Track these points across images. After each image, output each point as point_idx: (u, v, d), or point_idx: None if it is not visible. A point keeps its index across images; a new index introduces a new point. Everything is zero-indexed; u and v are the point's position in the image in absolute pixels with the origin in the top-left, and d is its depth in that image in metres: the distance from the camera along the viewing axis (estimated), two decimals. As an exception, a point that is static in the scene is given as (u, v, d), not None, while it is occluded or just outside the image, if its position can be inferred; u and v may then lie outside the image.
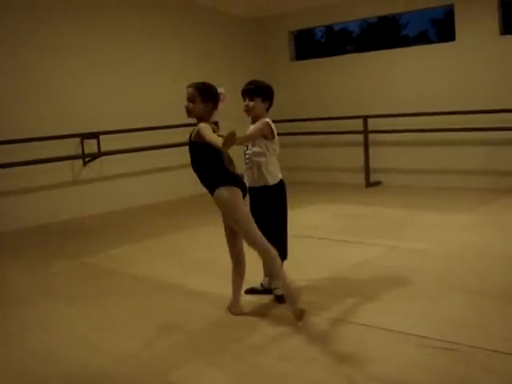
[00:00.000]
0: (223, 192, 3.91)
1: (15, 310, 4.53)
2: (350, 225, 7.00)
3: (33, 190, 8.02)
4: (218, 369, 3.29)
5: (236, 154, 4.13)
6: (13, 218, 7.71)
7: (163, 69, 9.62)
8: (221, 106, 4.02)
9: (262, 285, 4.48)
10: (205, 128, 3.77)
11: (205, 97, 3.93)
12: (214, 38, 10.46)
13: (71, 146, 8.42)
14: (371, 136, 9.80)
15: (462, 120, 8.80)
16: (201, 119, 3.93)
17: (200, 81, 4.04)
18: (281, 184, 4.33)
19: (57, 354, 3.64)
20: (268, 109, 4.32)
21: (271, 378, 3.15)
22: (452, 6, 9.24)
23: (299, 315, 3.78)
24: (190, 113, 3.96)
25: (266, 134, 4.19)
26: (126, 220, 8.16)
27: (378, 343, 3.50)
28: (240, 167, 4.24)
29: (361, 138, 9.84)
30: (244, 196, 4.03)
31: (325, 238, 6.30)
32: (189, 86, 3.97)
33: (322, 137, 10.57)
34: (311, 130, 10.49)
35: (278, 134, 4.29)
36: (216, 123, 4.42)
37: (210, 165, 3.93)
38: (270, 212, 4.29)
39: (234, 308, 4.13)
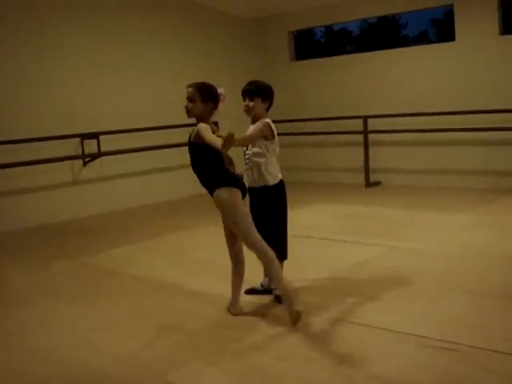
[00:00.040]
0: (223, 193, 3.91)
1: (15, 310, 4.53)
2: (350, 225, 7.00)
3: (33, 191, 8.02)
4: (218, 369, 3.29)
5: (236, 154, 4.13)
6: (13, 218, 7.71)
7: (163, 69, 9.62)
8: (221, 106, 4.02)
9: (261, 285, 4.48)
10: (204, 129, 3.76)
11: (205, 97, 3.92)
12: (214, 38, 10.46)
13: (71, 147, 8.42)
14: (371, 136, 9.79)
15: (461, 120, 8.80)
16: (200, 119, 3.93)
17: (200, 81, 4.04)
18: (281, 184, 4.33)
19: (57, 354, 3.64)
20: (268, 109, 4.32)
21: (271, 378, 3.15)
22: (452, 6, 9.24)
23: (295, 318, 3.79)
24: (189, 113, 3.96)
25: (266, 135, 4.19)
26: (125, 220, 8.16)
27: (377, 343, 3.50)
28: (240, 168, 4.25)
29: (361, 138, 9.84)
30: (243, 196, 4.03)
31: (325, 238, 6.30)
32: (189, 86, 3.96)
33: (322, 137, 10.57)
34: (311, 130, 10.49)
35: (278, 134, 4.29)
36: (216, 123, 4.42)
37: (210, 165, 3.93)
38: (269, 212, 4.29)
39: (234, 308, 4.13)
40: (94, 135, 8.47)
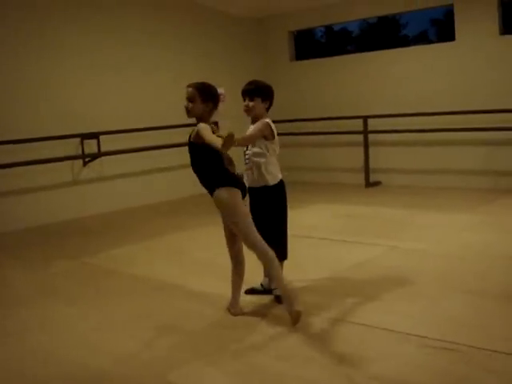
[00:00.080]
0: (223, 193, 3.91)
1: (15, 310, 4.53)
2: (350, 225, 7.00)
3: (33, 191, 8.02)
4: (218, 369, 3.29)
5: (236, 154, 4.13)
6: (13, 218, 7.71)
7: (163, 69, 9.62)
8: (221, 106, 4.02)
9: (261, 285, 4.48)
10: (204, 129, 3.76)
11: (205, 97, 3.92)
12: (214, 38, 10.46)
13: (71, 146, 8.42)
14: (371, 136, 9.79)
15: (462, 120, 8.79)
16: (200, 119, 3.93)
17: (200, 81, 4.04)
18: (281, 184, 4.33)
19: (57, 354, 3.64)
20: (268, 109, 4.32)
21: (271, 378, 3.15)
22: (452, 5, 9.24)
23: (295, 318, 3.79)
24: (189, 113, 3.96)
25: (266, 135, 4.19)
26: (126, 220, 8.16)
27: (378, 343, 3.50)
28: (240, 167, 4.24)
29: (361, 138, 9.84)
30: (243, 196, 4.03)
31: (325, 238, 6.30)
32: (189, 86, 3.96)
33: (322, 137, 10.57)
34: (311, 130, 10.49)
35: (278, 134, 4.29)
36: (216, 123, 4.41)
37: (210, 165, 3.93)
38: (270, 212, 4.29)
39: (234, 308, 4.13)
40: (94, 135, 8.47)
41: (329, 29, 15.15)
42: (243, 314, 4.10)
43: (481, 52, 8.94)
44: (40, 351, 3.72)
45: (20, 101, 7.86)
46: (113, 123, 8.79)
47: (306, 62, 11.22)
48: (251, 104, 4.22)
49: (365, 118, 9.70)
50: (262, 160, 4.21)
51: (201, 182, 4.04)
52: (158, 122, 9.19)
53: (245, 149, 4.30)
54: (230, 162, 4.06)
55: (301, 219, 6.84)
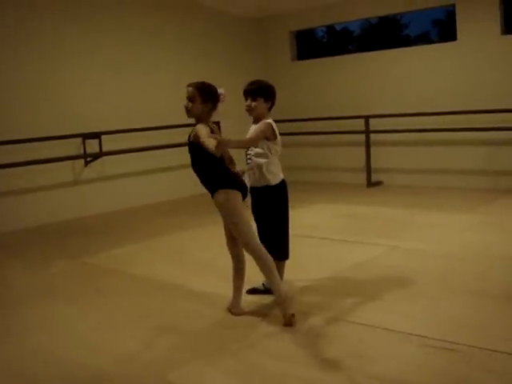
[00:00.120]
0: (222, 195, 3.90)
1: (15, 310, 4.52)
2: (351, 225, 6.99)
3: (34, 191, 8.02)
4: (218, 369, 3.28)
5: (236, 154, 4.12)
6: (14, 218, 7.70)
7: (163, 69, 9.62)
8: (220, 106, 4.01)
9: (263, 284, 4.47)
10: (201, 129, 3.75)
11: (204, 97, 3.91)
12: (214, 38, 10.46)
13: (72, 146, 8.42)
14: (372, 136, 9.79)
15: (463, 120, 8.79)
16: (199, 119, 3.92)
17: (200, 80, 4.03)
18: (282, 184, 4.32)
19: (57, 354, 3.64)
20: (270, 109, 4.31)
21: (271, 378, 3.15)
22: (453, 6, 9.23)
23: (288, 321, 3.80)
24: (189, 112, 3.95)
25: (268, 136, 4.17)
26: (126, 220, 8.16)
27: (379, 343, 3.50)
28: (241, 167, 4.24)
29: (362, 137, 9.84)
30: (245, 197, 4.02)
31: (326, 237, 6.30)
32: (189, 86, 3.95)
33: (324, 137, 10.57)
34: (313, 130, 10.49)
35: (280, 134, 4.28)
36: (218, 124, 4.41)
37: (210, 166, 3.91)
38: (271, 212, 4.28)
39: (235, 308, 4.12)
40: (96, 135, 8.47)
41: (330, 29, 15.15)
42: (244, 313, 4.10)
43: (482, 52, 8.94)
44: (40, 351, 3.72)
45: (20, 101, 7.86)
46: (113, 123, 8.79)
47: (307, 62, 11.22)
48: (253, 104, 4.21)
49: (366, 118, 9.70)
50: (264, 160, 4.20)
51: (201, 182, 4.03)
52: (158, 121, 9.19)
53: (247, 149, 4.30)
54: (231, 161, 4.05)
55: (302, 219, 6.83)
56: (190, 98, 3.91)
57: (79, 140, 8.43)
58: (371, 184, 9.91)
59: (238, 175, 4.08)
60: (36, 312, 4.47)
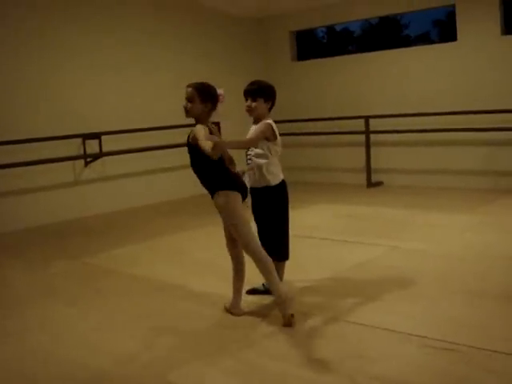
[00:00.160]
0: (222, 197, 3.90)
1: (15, 310, 4.52)
2: (352, 225, 6.99)
3: (34, 191, 8.02)
4: (218, 369, 3.28)
5: (236, 154, 4.12)
6: (14, 219, 7.70)
7: (163, 69, 9.62)
8: (220, 107, 4.01)
9: (263, 285, 4.46)
10: (200, 130, 3.75)
11: (204, 97, 3.91)
12: (214, 38, 10.46)
13: (73, 147, 8.42)
14: (373, 136, 9.79)
15: (463, 120, 8.78)
16: (198, 120, 3.92)
17: (199, 81, 4.03)
18: (282, 184, 4.32)
19: (57, 354, 3.64)
20: (270, 109, 4.31)
21: (271, 378, 3.15)
22: (453, 6, 9.23)
23: (288, 322, 3.80)
24: (188, 113, 3.95)
25: (268, 136, 4.17)
26: (127, 220, 8.16)
27: (379, 343, 3.49)
28: (241, 167, 4.24)
29: (362, 138, 9.83)
30: (245, 197, 4.02)
31: (326, 238, 6.29)
32: (188, 86, 3.95)
33: (324, 137, 10.57)
34: (313, 131, 10.49)
35: (280, 135, 4.28)
36: (217, 124, 4.41)
37: (210, 167, 3.90)
38: (271, 212, 4.29)
39: (235, 309, 4.12)
40: (96, 135, 8.48)
41: (330, 29, 15.16)
42: (244, 314, 4.10)
43: (482, 52, 8.93)
44: (40, 351, 3.72)
45: (20, 101, 7.86)
46: (113, 123, 8.79)
47: (307, 63, 11.22)
48: (253, 104, 4.21)
49: (366, 118, 9.70)
50: (264, 161, 4.20)
51: (201, 183, 4.03)
52: (158, 122, 9.19)
53: (247, 149, 4.29)
54: (231, 161, 4.05)
55: (302, 219, 6.83)
56: (189, 99, 3.91)
57: (79, 140, 8.43)
58: (371, 184, 9.91)
59: (238, 176, 4.07)
60: (36, 312, 4.47)
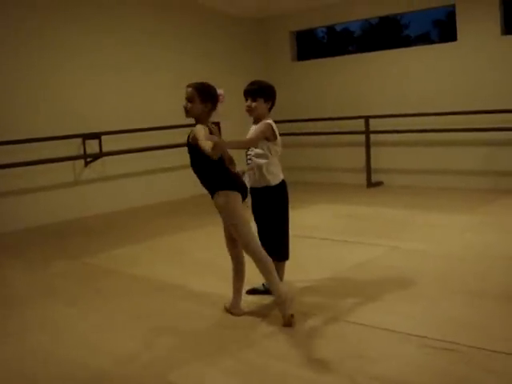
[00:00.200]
0: (222, 197, 3.90)
1: (15, 310, 4.52)
2: (352, 225, 6.99)
3: (34, 191, 8.02)
4: (218, 369, 3.28)
5: (237, 154, 4.12)
6: (14, 219, 7.71)
7: (163, 69, 9.62)
8: (220, 107, 4.01)
9: (263, 285, 4.46)
10: (199, 130, 3.75)
11: (204, 97, 3.91)
12: (214, 38, 10.45)
13: (73, 147, 8.42)
14: (373, 136, 9.79)
15: (463, 120, 8.78)
16: (198, 120, 3.92)
17: (199, 81, 4.03)
18: (282, 184, 4.32)
19: (57, 354, 3.64)
20: (270, 109, 4.31)
21: (271, 378, 3.15)
22: (453, 6, 9.23)
23: (288, 322, 3.80)
24: (188, 113, 3.95)
25: (268, 136, 4.17)
26: (126, 220, 8.16)
27: (379, 343, 3.49)
28: (241, 167, 4.24)
29: (362, 138, 9.83)
30: (245, 197, 4.02)
31: (326, 238, 6.29)
32: (188, 86, 3.95)
33: (324, 137, 10.57)
34: (313, 131, 10.49)
35: (280, 135, 4.28)
36: (218, 124, 4.41)
37: (210, 167, 3.90)
38: (271, 212, 4.29)
39: (235, 309, 4.12)
40: (96, 135, 8.48)
41: (330, 29, 15.14)
42: (244, 314, 4.10)
43: (482, 52, 8.93)
44: (40, 351, 3.72)
45: (20, 101, 7.86)
46: (113, 123, 8.79)
47: (307, 63, 11.21)
48: (253, 104, 4.21)
49: (366, 118, 9.70)
50: (264, 161, 4.20)
51: (201, 183, 4.03)
52: (158, 122, 9.19)
53: (247, 149, 4.29)
54: (231, 161, 4.05)
55: (302, 219, 6.83)
56: (189, 99, 3.91)
57: (79, 140, 8.43)
58: (371, 184, 9.91)
59: (238, 176, 4.07)
60: (36, 312, 4.47)
